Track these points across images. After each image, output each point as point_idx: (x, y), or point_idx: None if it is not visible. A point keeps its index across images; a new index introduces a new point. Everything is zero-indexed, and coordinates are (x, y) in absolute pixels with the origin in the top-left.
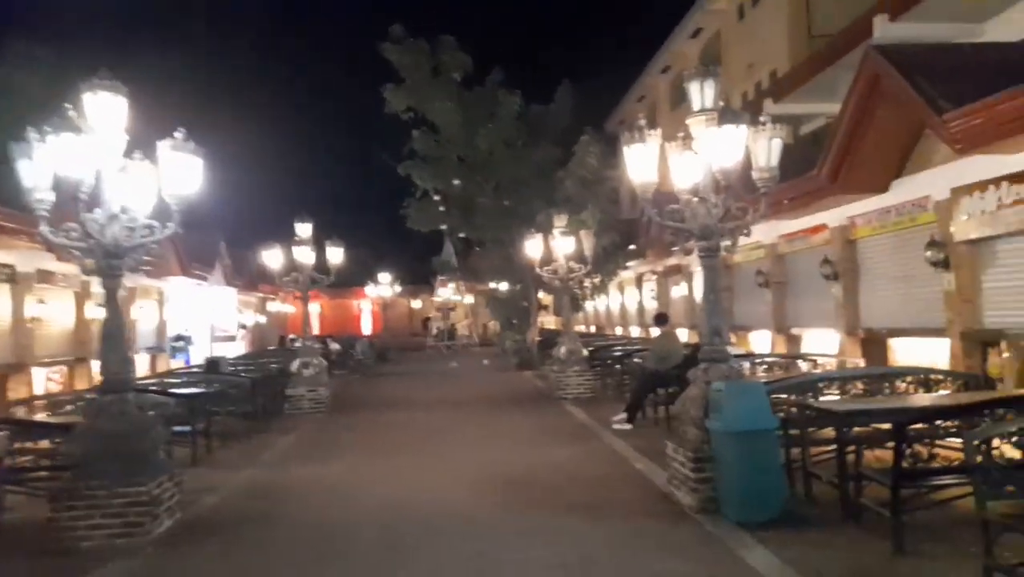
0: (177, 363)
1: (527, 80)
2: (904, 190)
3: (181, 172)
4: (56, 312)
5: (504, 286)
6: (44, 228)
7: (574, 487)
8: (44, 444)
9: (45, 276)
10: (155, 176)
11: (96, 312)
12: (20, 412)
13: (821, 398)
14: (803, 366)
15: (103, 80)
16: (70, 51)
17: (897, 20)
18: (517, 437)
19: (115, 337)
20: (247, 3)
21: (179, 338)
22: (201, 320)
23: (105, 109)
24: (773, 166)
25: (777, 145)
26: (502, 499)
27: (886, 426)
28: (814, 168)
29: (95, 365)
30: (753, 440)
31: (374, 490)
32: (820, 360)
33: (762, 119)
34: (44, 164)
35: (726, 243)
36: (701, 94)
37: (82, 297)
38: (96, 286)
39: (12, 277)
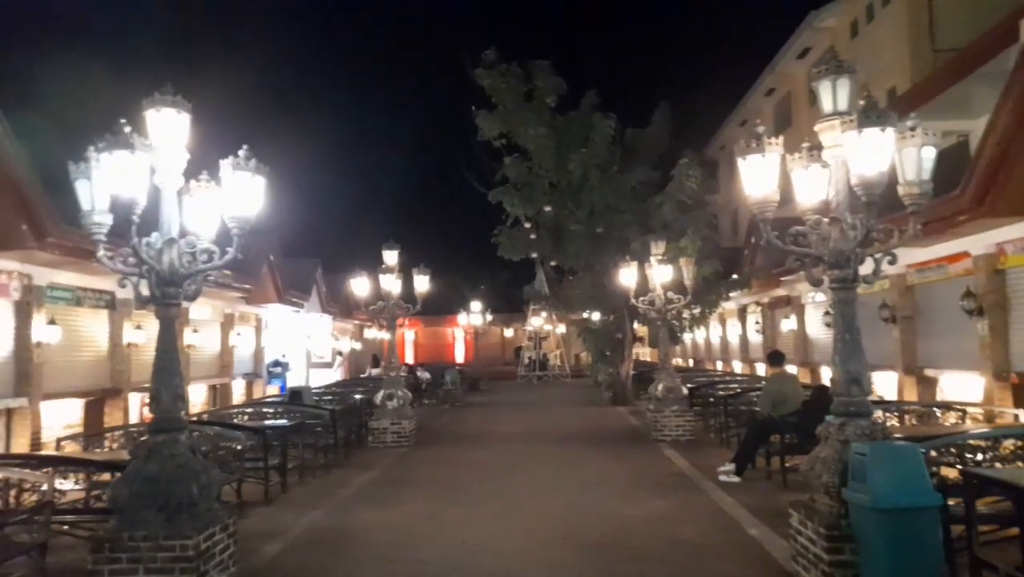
0: (273, 389)
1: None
2: None
3: (243, 193)
4: (154, 338)
5: (597, 316)
6: (102, 252)
7: (673, 557)
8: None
9: (144, 304)
10: (218, 198)
11: (191, 338)
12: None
13: (977, 458)
14: (941, 416)
15: (165, 96)
16: (127, 63)
17: None
18: (607, 485)
19: (169, 371)
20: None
21: (276, 364)
22: (298, 346)
23: (167, 126)
24: (925, 180)
25: (929, 154)
26: (586, 567)
27: None
28: (946, 189)
29: (193, 390)
30: (908, 519)
31: (440, 547)
32: (968, 410)
33: (910, 123)
34: (101, 185)
35: (866, 272)
36: (833, 94)
37: (180, 324)
38: (193, 313)
39: (111, 303)
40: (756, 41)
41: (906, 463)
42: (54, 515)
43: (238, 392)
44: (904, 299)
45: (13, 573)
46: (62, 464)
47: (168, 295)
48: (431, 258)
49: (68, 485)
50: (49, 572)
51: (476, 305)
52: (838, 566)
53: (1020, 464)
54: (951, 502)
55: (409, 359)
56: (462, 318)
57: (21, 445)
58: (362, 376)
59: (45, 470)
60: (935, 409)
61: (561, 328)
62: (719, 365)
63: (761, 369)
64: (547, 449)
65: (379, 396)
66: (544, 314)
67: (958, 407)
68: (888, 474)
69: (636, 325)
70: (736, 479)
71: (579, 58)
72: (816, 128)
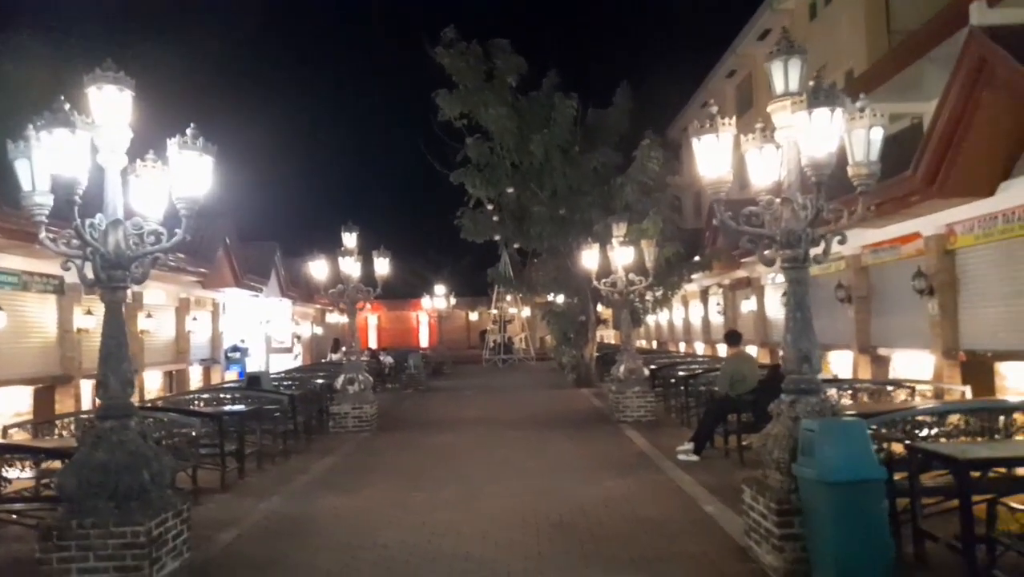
0: (231, 375)
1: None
2: (1014, 193)
3: (190, 173)
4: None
5: (561, 299)
6: (44, 234)
7: (631, 534)
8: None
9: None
10: (165, 179)
11: (145, 324)
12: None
13: (923, 433)
14: (894, 393)
15: (107, 72)
16: (72, 41)
17: (996, 6)
18: (569, 466)
19: (116, 356)
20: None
21: (235, 349)
22: (257, 332)
23: (110, 104)
24: (873, 160)
25: (878, 135)
26: (547, 548)
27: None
28: (898, 172)
29: (148, 377)
30: (854, 492)
31: (400, 531)
32: (917, 388)
33: (859, 105)
34: (41, 164)
35: (816, 251)
36: (785, 75)
37: (133, 309)
38: (147, 298)
39: (59, 288)
40: (717, 22)
41: (853, 438)
42: (1, 504)
43: (195, 378)
44: (859, 279)
45: None
46: (8, 452)
47: (114, 278)
48: (393, 241)
49: (15, 473)
50: None
51: (440, 289)
52: (788, 539)
53: (964, 439)
54: (898, 476)
55: (372, 343)
56: (426, 302)
57: None
58: (323, 361)
59: None
60: (887, 387)
61: (526, 311)
62: (682, 347)
63: (723, 350)
64: (510, 433)
65: (340, 381)
66: (509, 297)
67: (908, 384)
68: (835, 449)
69: (600, 308)
70: (695, 458)
71: (540, 38)
72: (768, 109)
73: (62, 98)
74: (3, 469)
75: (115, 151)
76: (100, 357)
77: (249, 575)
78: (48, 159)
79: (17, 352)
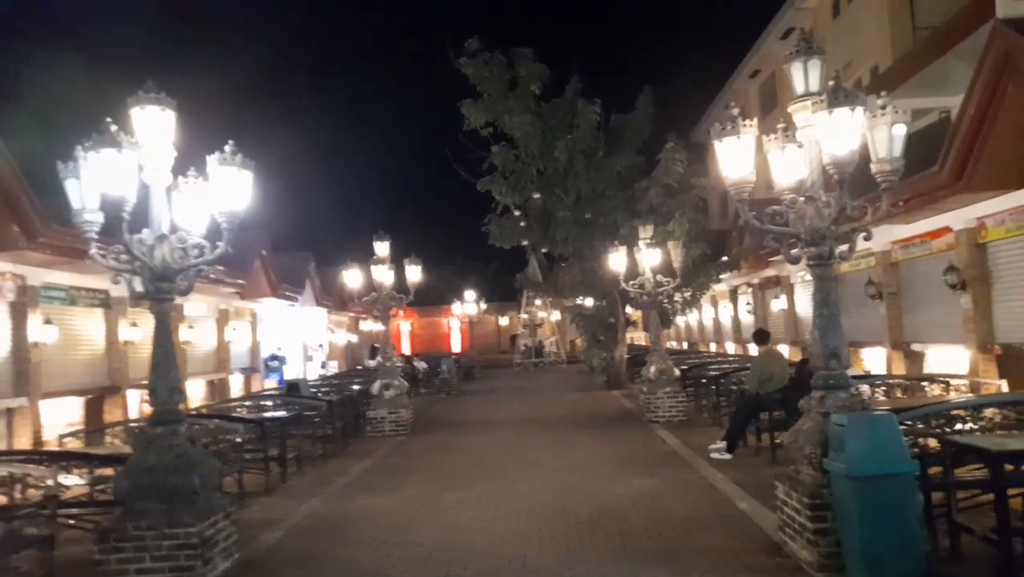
0: (271, 382)
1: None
2: None
3: (231, 188)
4: (150, 335)
5: (589, 302)
6: (94, 250)
7: (664, 530)
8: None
9: (138, 300)
10: (206, 194)
11: (187, 335)
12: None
13: (959, 428)
14: (929, 388)
15: (149, 93)
16: (112, 59)
17: None
18: (601, 465)
19: (165, 365)
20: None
21: (273, 358)
22: (294, 340)
23: (153, 124)
24: (896, 157)
25: (900, 132)
26: (576, 543)
27: None
28: (927, 167)
29: (191, 386)
30: (884, 486)
31: (435, 529)
32: (952, 382)
33: (880, 102)
34: (90, 183)
35: (841, 248)
36: (805, 76)
37: (175, 321)
38: (188, 310)
39: (106, 302)
40: (740, 23)
41: (882, 432)
42: (58, 509)
43: (236, 387)
44: (889, 275)
45: (21, 566)
46: (65, 459)
47: (162, 290)
48: (423, 249)
49: (71, 480)
50: (55, 565)
51: (470, 294)
52: (822, 534)
53: (999, 432)
54: (933, 471)
55: (406, 350)
56: (456, 308)
57: (23, 444)
58: (359, 368)
59: (49, 465)
60: (922, 382)
61: (556, 315)
62: (712, 347)
63: (754, 350)
64: (541, 434)
65: (376, 386)
66: (538, 301)
67: (942, 379)
68: (864, 443)
69: (628, 309)
70: (727, 456)
71: (563, 44)
72: (789, 109)
73: (108, 120)
74: (60, 476)
75: (159, 169)
76: (151, 366)
77: (294, 572)
78: (96, 178)
79: (68, 364)
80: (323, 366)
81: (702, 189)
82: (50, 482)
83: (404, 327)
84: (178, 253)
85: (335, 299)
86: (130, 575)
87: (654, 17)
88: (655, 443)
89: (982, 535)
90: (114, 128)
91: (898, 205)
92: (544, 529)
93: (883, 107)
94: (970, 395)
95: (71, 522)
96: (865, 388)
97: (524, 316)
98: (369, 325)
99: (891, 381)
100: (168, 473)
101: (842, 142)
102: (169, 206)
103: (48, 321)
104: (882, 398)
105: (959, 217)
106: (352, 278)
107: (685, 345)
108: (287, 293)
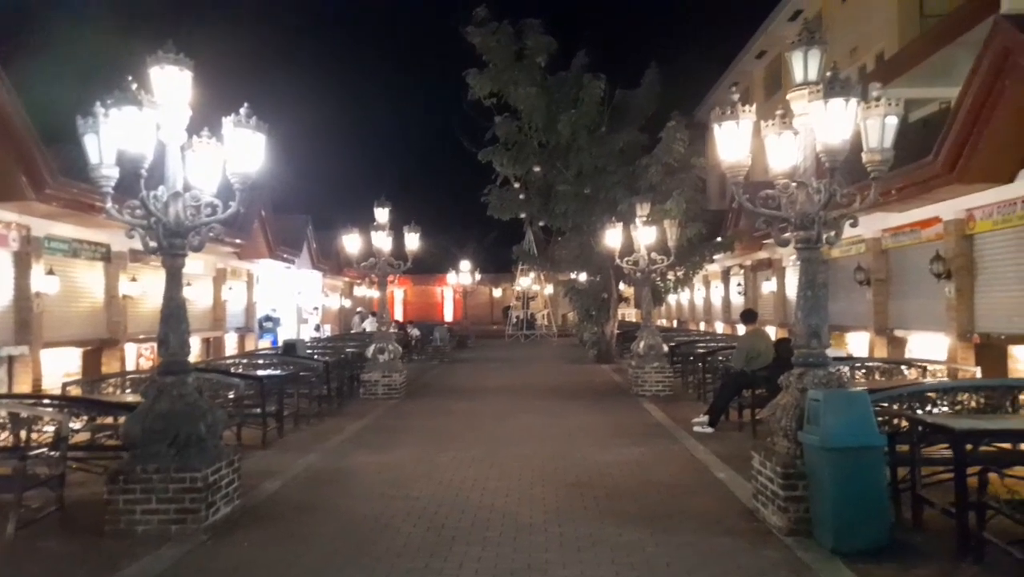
0: (265, 343)
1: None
2: None
3: (244, 149)
4: (148, 290)
5: (583, 276)
6: (109, 205)
7: (646, 494)
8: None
9: (138, 255)
10: (220, 154)
11: (185, 292)
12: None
13: (932, 410)
14: (907, 372)
15: (168, 53)
16: (128, 14)
17: None
18: (588, 434)
19: (176, 317)
20: None
21: (267, 319)
22: (288, 302)
23: (171, 83)
24: (887, 148)
25: (892, 124)
26: (565, 503)
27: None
28: (925, 156)
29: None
30: (854, 458)
31: (430, 485)
32: (929, 367)
33: (874, 94)
34: (109, 139)
35: (828, 233)
36: (804, 65)
37: None
38: (186, 268)
39: (107, 256)
40: (748, 3)
41: (855, 408)
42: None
43: (231, 345)
44: (878, 262)
45: (33, 503)
46: (75, 404)
47: (175, 246)
48: (421, 216)
49: (75, 426)
50: (65, 504)
51: (465, 264)
52: (792, 501)
53: (971, 416)
54: (902, 449)
55: (399, 316)
56: (451, 277)
57: (23, 391)
58: (352, 332)
59: (60, 408)
60: (901, 366)
61: (549, 288)
62: (702, 326)
63: (742, 330)
64: (532, 402)
65: (370, 349)
66: (532, 274)
67: (920, 364)
68: (838, 417)
69: (622, 286)
70: (709, 430)
71: (570, 18)
72: (788, 96)
73: (130, 78)
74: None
75: (176, 128)
76: (161, 317)
77: (296, 516)
78: (115, 135)
79: (68, 316)
80: (317, 329)
81: (702, 169)
82: (61, 423)
83: (398, 294)
84: (191, 211)
85: (331, 263)
86: (136, 515)
87: None
88: (642, 415)
89: (942, 508)
90: (135, 86)
91: (891, 193)
92: (535, 489)
93: (877, 99)
94: (944, 379)
95: (73, 465)
96: (845, 369)
97: (518, 288)
98: (363, 290)
99: (871, 364)
100: (178, 420)
101: (835, 131)
102: (183, 165)
103: (50, 272)
104: (861, 380)
105: (950, 208)
106: (351, 242)
107: (675, 323)
108: (284, 255)
